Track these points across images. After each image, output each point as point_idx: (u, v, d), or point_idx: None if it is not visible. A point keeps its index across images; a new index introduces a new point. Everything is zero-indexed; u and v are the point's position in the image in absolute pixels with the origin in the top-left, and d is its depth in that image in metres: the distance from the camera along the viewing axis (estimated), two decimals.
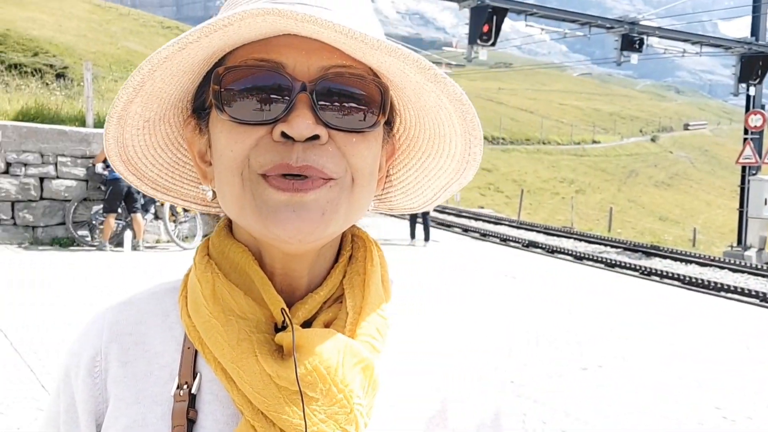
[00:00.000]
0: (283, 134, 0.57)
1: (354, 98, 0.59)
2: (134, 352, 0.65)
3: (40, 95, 12.67)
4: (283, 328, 0.61)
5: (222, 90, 0.59)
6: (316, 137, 0.57)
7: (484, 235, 17.50)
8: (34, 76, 17.99)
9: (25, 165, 9.45)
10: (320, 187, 0.58)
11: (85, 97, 11.45)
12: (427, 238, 12.66)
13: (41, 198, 9.59)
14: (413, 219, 12.75)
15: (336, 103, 0.59)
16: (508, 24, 16.71)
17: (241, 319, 0.60)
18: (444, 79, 0.58)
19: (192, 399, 0.61)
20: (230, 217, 0.64)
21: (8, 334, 4.99)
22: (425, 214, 12.85)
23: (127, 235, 9.70)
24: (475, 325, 0.71)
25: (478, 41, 15.47)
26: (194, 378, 0.62)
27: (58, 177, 9.71)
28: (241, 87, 0.58)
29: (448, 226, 19.00)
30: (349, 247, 0.69)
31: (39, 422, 0.75)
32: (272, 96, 0.58)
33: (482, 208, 30.22)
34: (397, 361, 0.65)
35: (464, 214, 24.14)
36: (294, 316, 0.62)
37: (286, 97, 0.57)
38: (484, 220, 22.25)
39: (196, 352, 0.63)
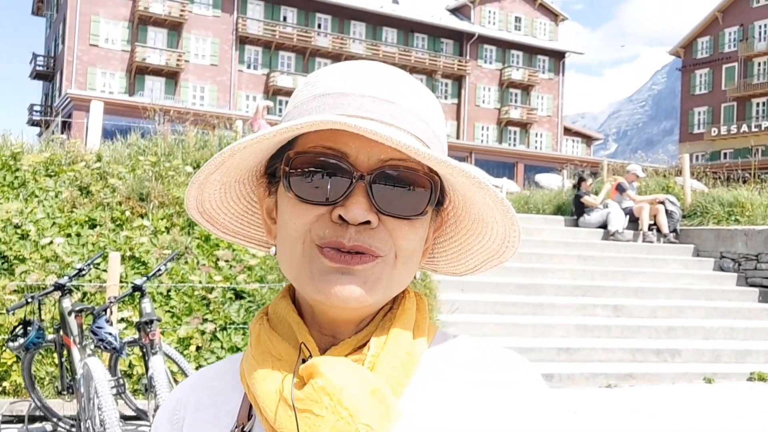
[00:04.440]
0: (340, 217, 0.68)
1: (406, 189, 0.69)
2: (207, 402, 0.79)
3: None
4: None
5: (290, 171, 0.70)
6: (368, 222, 0.68)
7: None
8: None
9: None
10: (367, 263, 0.69)
11: None
12: None
13: None
14: None
15: (389, 193, 0.69)
16: None
17: (277, 360, 0.71)
18: (487, 187, 0.69)
19: None
20: (287, 276, 0.74)
21: None
22: None
23: None
24: (510, 363, 0.76)
25: None
26: (249, 419, 0.74)
27: None
28: (308, 170, 0.69)
29: None
30: (391, 302, 0.76)
31: None
32: (334, 181, 0.68)
33: None
34: (431, 398, 0.72)
35: None
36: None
37: (346, 184, 0.68)
38: None
39: None
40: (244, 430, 0.73)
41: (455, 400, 0.72)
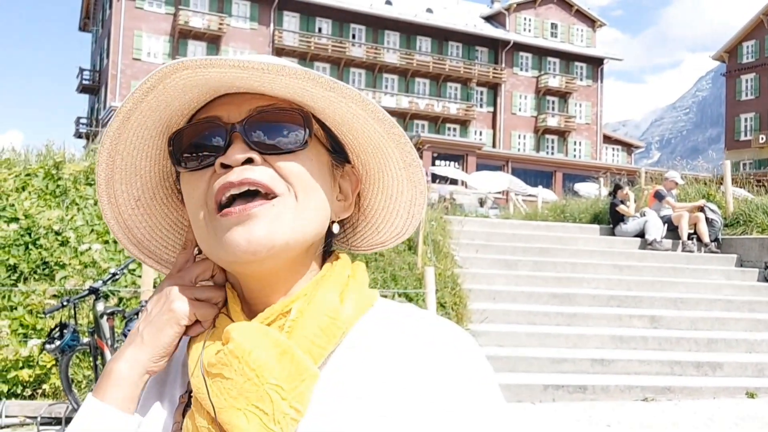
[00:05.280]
0: (223, 165, 0.71)
1: (279, 124, 0.73)
2: (173, 364, 0.79)
3: None
4: None
5: (174, 149, 0.74)
6: (250, 160, 0.71)
7: None
8: None
9: None
10: (263, 204, 0.70)
11: None
12: None
13: None
14: None
15: (264, 132, 0.72)
16: None
17: (211, 329, 0.75)
18: (338, 85, 0.70)
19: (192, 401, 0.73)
20: (209, 257, 0.76)
21: None
22: None
23: None
24: (449, 339, 0.74)
25: None
26: None
27: None
28: (188, 141, 0.74)
29: None
30: (325, 269, 0.77)
31: None
32: (212, 141, 0.72)
33: None
34: (357, 365, 0.72)
35: None
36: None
37: (223, 139, 0.72)
38: None
39: None
40: (191, 396, 0.75)
41: (382, 368, 0.71)
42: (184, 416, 0.73)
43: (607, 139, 51.82)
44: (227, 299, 0.77)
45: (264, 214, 0.70)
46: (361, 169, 0.83)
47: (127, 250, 0.83)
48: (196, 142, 0.73)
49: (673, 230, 10.95)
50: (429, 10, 47.28)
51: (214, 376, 0.68)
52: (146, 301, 4.88)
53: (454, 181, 27.37)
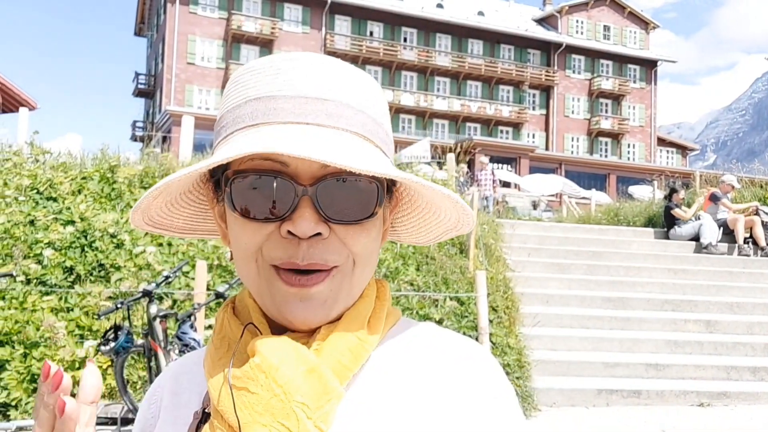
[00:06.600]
0: (289, 232, 0.67)
1: (352, 194, 0.68)
2: (184, 386, 0.79)
3: None
4: None
5: (232, 191, 0.68)
6: (319, 234, 0.67)
7: None
8: None
9: None
10: (323, 280, 0.68)
11: None
12: None
13: None
14: None
15: (336, 201, 0.67)
16: None
17: (234, 342, 0.72)
18: (431, 188, 0.69)
19: (206, 416, 0.71)
20: (248, 288, 0.74)
21: None
22: None
23: None
24: (471, 353, 0.74)
25: None
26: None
27: None
28: (249, 188, 0.67)
29: None
30: None
31: None
32: (278, 196, 0.67)
33: None
34: (383, 384, 0.71)
35: None
36: None
37: (290, 198, 0.67)
38: None
39: None
40: (206, 411, 0.73)
41: (407, 386, 0.70)
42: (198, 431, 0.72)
43: (662, 142, 50.48)
44: (250, 311, 0.75)
45: (322, 294, 0.69)
46: (404, 194, 0.80)
47: (141, 228, 0.79)
48: (257, 192, 0.67)
49: (728, 234, 10.60)
50: (480, 13, 46.96)
51: (239, 389, 0.66)
52: (199, 304, 4.89)
53: (506, 184, 27.08)
